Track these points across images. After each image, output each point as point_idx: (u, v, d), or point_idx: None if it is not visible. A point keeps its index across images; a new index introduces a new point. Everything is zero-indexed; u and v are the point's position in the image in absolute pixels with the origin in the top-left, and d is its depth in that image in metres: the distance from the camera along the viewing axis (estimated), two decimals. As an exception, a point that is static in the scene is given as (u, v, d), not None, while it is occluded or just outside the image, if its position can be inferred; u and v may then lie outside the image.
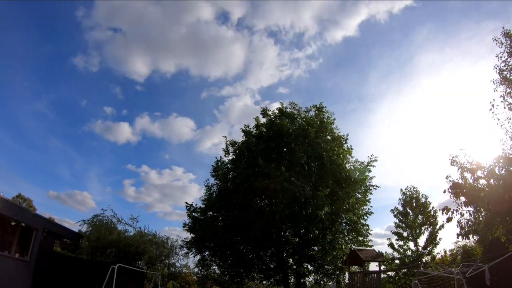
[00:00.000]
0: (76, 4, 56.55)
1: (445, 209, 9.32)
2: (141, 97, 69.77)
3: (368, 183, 18.85)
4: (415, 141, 69.15)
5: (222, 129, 70.04)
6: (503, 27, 11.89)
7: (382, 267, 17.54)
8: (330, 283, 19.36)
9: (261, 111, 20.28)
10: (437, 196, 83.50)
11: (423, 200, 22.57)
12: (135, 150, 71.22)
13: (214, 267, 20.36)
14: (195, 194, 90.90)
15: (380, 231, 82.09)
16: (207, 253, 19.23)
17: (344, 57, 69.63)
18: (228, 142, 20.58)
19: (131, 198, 66.77)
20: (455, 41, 59.11)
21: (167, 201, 74.56)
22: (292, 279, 18.87)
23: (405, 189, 23.25)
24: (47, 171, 64.24)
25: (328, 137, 18.79)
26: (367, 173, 18.65)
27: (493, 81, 11.70)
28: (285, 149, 18.58)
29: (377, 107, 66.39)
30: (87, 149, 66.59)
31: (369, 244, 18.22)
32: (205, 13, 59.02)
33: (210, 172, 20.19)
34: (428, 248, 21.38)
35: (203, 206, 19.87)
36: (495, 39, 11.96)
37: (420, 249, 21.57)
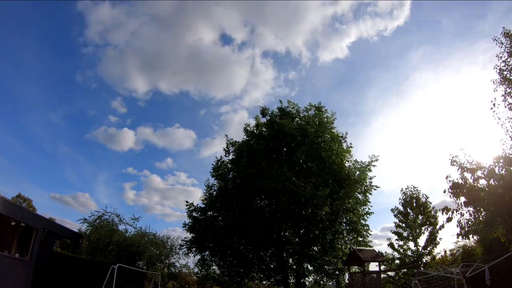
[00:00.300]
0: (77, 23, 60.36)
1: (445, 209, 9.32)
2: (143, 110, 72.54)
3: (368, 183, 18.86)
4: (412, 145, 69.34)
5: (221, 141, 71.50)
6: (503, 27, 11.92)
7: (382, 267, 17.53)
8: (330, 283, 19.35)
9: (261, 111, 20.30)
10: (437, 196, 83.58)
11: (423, 200, 22.54)
12: (138, 156, 73.49)
13: (214, 267, 20.36)
14: (197, 195, 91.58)
15: (376, 232, 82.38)
16: (207, 253, 19.22)
17: (344, 76, 71.57)
18: (228, 142, 20.60)
19: (131, 201, 68.79)
20: (449, 61, 62.06)
21: (167, 203, 75.67)
22: (292, 279, 18.85)
23: (406, 189, 23.25)
24: (52, 174, 66.81)
25: (328, 137, 18.77)
26: (367, 173, 18.65)
27: (493, 81, 11.71)
28: (285, 149, 18.59)
29: (374, 120, 67.98)
30: (93, 155, 69.71)
31: (369, 244, 18.21)
32: (206, 36, 61.07)
33: (210, 172, 20.23)
34: (428, 248, 21.34)
35: (203, 206, 19.88)
36: (495, 39, 11.97)
37: (420, 249, 21.54)
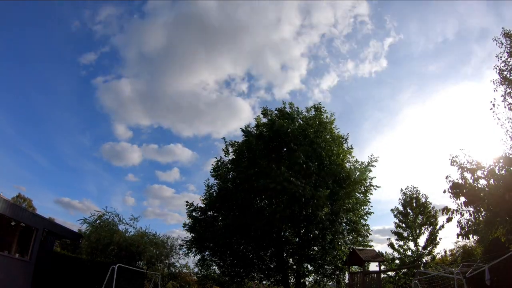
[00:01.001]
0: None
1: (445, 209, 9.31)
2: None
3: (368, 183, 18.87)
4: (412, 145, 69.34)
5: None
6: (503, 27, 11.90)
7: (382, 267, 17.53)
8: (330, 283, 19.35)
9: (262, 111, 20.28)
10: (437, 196, 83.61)
11: (423, 200, 22.55)
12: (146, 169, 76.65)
13: (214, 267, 20.35)
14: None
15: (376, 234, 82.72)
16: (207, 253, 19.21)
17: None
18: (228, 143, 20.59)
19: (132, 203, 69.68)
20: (436, 100, 64.65)
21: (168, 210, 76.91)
22: (292, 279, 18.85)
23: (405, 189, 23.25)
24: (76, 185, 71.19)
25: (328, 137, 18.77)
26: (367, 173, 18.66)
27: (493, 81, 11.70)
28: (285, 149, 18.58)
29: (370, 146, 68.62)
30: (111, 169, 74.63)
31: (369, 244, 18.22)
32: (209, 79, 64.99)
33: (210, 172, 20.22)
34: (428, 248, 21.35)
35: (203, 206, 19.87)
36: (495, 39, 11.95)
37: (420, 249, 21.55)
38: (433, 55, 68.38)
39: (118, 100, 66.68)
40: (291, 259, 18.96)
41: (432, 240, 21.36)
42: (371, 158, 19.06)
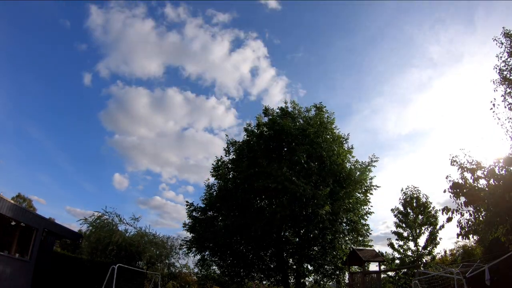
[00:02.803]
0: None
1: (445, 209, 9.30)
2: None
3: (368, 183, 18.85)
4: (412, 145, 69.30)
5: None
6: (503, 27, 11.90)
7: (382, 267, 17.52)
8: (330, 283, 19.34)
9: (263, 110, 20.27)
10: (437, 196, 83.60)
11: (423, 200, 22.53)
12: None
13: (214, 267, 20.34)
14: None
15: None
16: (207, 253, 19.21)
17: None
18: (229, 142, 20.57)
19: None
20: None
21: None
22: (292, 279, 18.85)
23: (406, 189, 23.23)
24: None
25: (328, 137, 18.76)
26: (367, 173, 18.65)
27: (493, 81, 11.70)
28: (285, 149, 18.57)
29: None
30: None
31: (369, 244, 18.20)
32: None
33: (211, 172, 20.19)
34: (428, 248, 21.33)
35: (203, 205, 19.86)
36: (495, 39, 11.95)
37: (420, 249, 21.53)
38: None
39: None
40: (291, 259, 18.96)
41: (432, 240, 21.34)
42: (371, 158, 19.08)
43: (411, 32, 68.55)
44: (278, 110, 19.83)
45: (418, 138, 72.17)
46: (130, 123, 74.17)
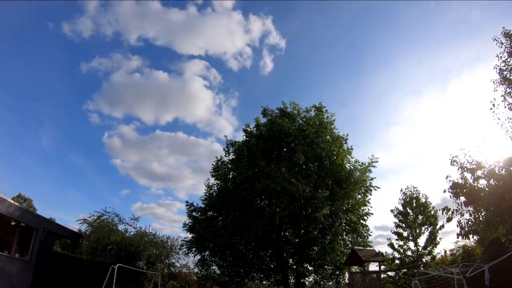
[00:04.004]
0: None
1: (445, 209, 9.31)
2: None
3: (368, 184, 18.85)
4: (412, 145, 69.39)
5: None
6: (503, 27, 11.90)
7: (382, 267, 17.52)
8: (330, 283, 19.34)
9: (262, 111, 20.26)
10: (437, 196, 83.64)
11: (423, 200, 22.55)
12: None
13: (214, 267, 20.34)
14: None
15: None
16: (207, 253, 19.21)
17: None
18: (228, 142, 20.57)
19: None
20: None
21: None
22: (292, 279, 18.85)
23: (405, 189, 23.25)
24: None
25: (328, 137, 18.76)
26: (367, 174, 18.64)
27: (493, 81, 11.70)
28: (285, 149, 18.57)
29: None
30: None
31: (369, 244, 18.20)
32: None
33: (210, 172, 20.17)
34: (428, 248, 21.35)
35: (203, 206, 19.86)
36: (495, 39, 11.95)
37: (420, 249, 21.55)
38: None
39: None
40: (291, 259, 18.96)
41: (432, 240, 21.37)
42: (371, 159, 19.07)
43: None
44: (277, 111, 19.82)
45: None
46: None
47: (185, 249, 19.83)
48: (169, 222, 75.36)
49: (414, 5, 60.83)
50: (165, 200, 77.79)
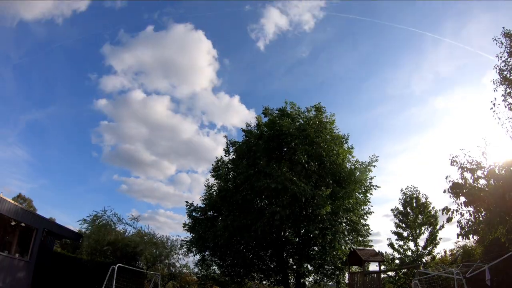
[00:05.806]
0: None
1: (445, 209, 9.30)
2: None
3: (368, 183, 18.86)
4: (412, 145, 69.36)
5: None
6: (503, 27, 11.90)
7: (382, 267, 17.51)
8: (330, 283, 19.34)
9: (263, 111, 20.23)
10: (437, 196, 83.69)
11: (423, 200, 22.53)
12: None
13: (214, 267, 20.34)
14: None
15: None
16: (207, 253, 19.20)
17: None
18: (228, 142, 20.56)
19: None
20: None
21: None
22: (292, 279, 18.85)
23: (405, 189, 23.23)
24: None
25: (328, 137, 18.76)
26: (367, 173, 18.65)
27: (493, 81, 11.71)
28: (285, 149, 18.56)
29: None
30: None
31: (369, 244, 18.19)
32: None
33: (210, 172, 20.18)
34: (428, 248, 21.34)
35: (203, 206, 19.85)
36: (495, 39, 11.95)
37: (420, 249, 21.54)
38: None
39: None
40: (291, 259, 18.95)
41: (432, 240, 21.35)
42: (371, 158, 19.07)
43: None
44: (277, 111, 19.81)
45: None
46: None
47: (185, 249, 19.84)
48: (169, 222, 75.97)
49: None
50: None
